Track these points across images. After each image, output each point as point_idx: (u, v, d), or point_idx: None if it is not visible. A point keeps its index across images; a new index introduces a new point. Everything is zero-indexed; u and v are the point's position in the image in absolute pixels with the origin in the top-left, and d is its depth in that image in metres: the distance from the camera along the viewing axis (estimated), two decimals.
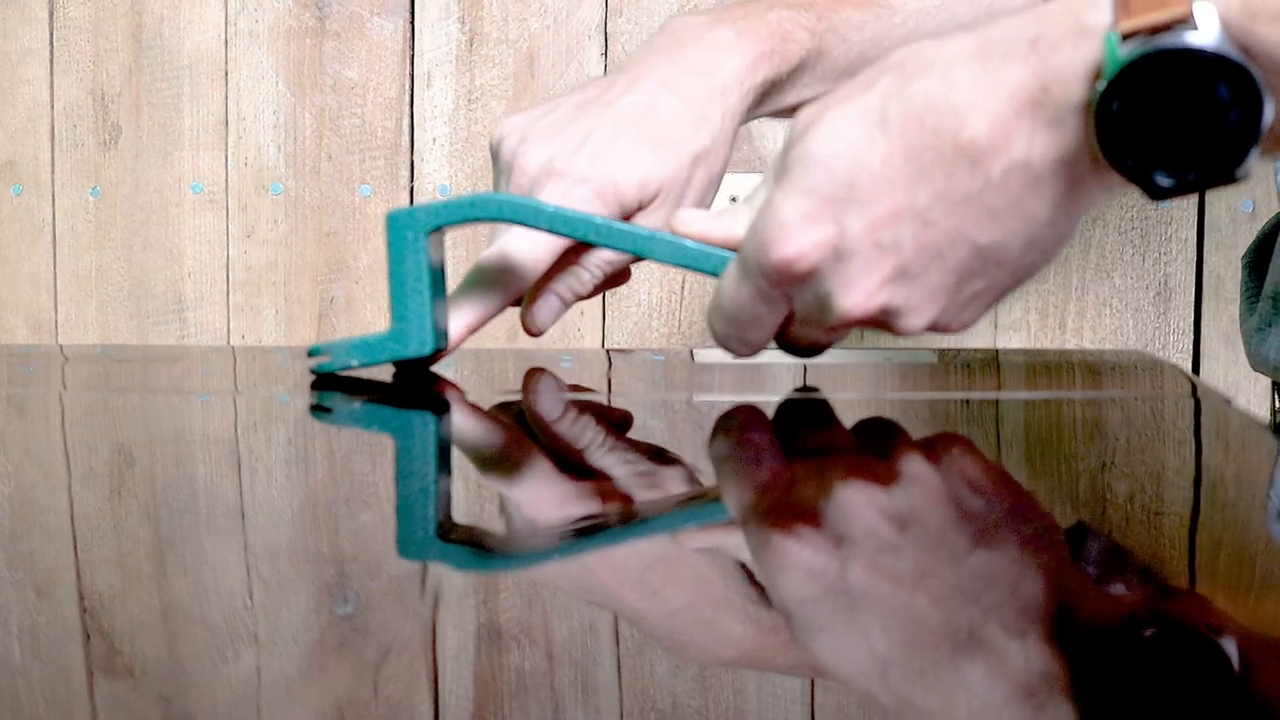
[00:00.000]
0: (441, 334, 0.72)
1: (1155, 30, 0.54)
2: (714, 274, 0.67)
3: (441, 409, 0.71)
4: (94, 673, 0.35)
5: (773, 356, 0.68)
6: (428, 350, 0.70)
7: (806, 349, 0.67)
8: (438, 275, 0.72)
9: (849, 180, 0.59)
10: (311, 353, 0.73)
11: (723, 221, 0.67)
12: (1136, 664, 0.36)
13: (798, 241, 0.60)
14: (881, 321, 0.62)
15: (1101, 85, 0.54)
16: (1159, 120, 0.54)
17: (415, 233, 0.70)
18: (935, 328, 0.63)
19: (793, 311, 0.64)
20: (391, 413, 0.70)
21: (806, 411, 0.69)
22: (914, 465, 0.56)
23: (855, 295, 0.60)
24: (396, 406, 0.71)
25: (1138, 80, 0.54)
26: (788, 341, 0.67)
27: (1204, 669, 0.36)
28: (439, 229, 0.70)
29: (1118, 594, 0.42)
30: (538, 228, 0.69)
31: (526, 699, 0.35)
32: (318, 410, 0.69)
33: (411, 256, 0.70)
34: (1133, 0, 0.55)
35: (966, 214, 0.58)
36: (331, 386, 0.71)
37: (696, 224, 0.67)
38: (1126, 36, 0.54)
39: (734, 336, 0.66)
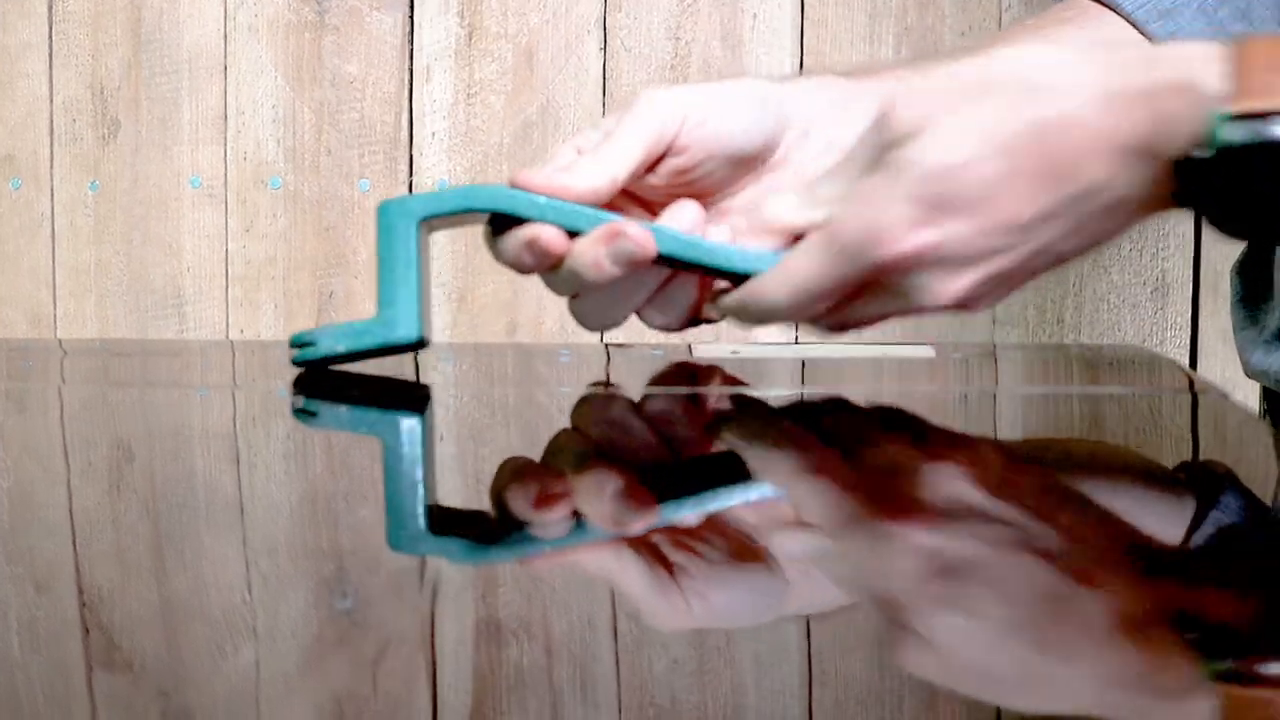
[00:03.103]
0: (428, 324, 0.71)
1: (1265, 115, 0.57)
2: (728, 272, 0.65)
3: (439, 403, 0.71)
4: (93, 667, 0.35)
5: (770, 352, 0.68)
6: (414, 337, 0.69)
7: (838, 328, 0.66)
8: (425, 267, 0.71)
9: (959, 192, 0.61)
10: (294, 342, 0.70)
11: (805, 211, 0.67)
12: (1129, 652, 0.36)
13: (906, 243, 0.62)
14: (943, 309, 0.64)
15: (1203, 154, 0.57)
16: (1251, 189, 0.58)
17: (407, 221, 0.69)
18: (962, 308, 0.64)
19: (852, 293, 0.64)
20: (389, 406, 0.70)
21: (804, 406, 0.69)
22: (935, 468, 0.56)
23: (942, 295, 0.62)
24: (395, 400, 0.71)
25: (1238, 162, 0.57)
26: (825, 319, 0.66)
27: (1200, 659, 0.36)
28: (430, 219, 0.70)
29: (1116, 587, 0.42)
30: (530, 219, 0.69)
31: (525, 693, 0.35)
32: (315, 403, 0.69)
33: (402, 244, 0.69)
34: (1245, 80, 0.58)
35: (1058, 230, 0.61)
36: (328, 381, 0.70)
37: (788, 213, 0.67)
38: (1235, 115, 0.57)
39: (793, 308, 0.65)
